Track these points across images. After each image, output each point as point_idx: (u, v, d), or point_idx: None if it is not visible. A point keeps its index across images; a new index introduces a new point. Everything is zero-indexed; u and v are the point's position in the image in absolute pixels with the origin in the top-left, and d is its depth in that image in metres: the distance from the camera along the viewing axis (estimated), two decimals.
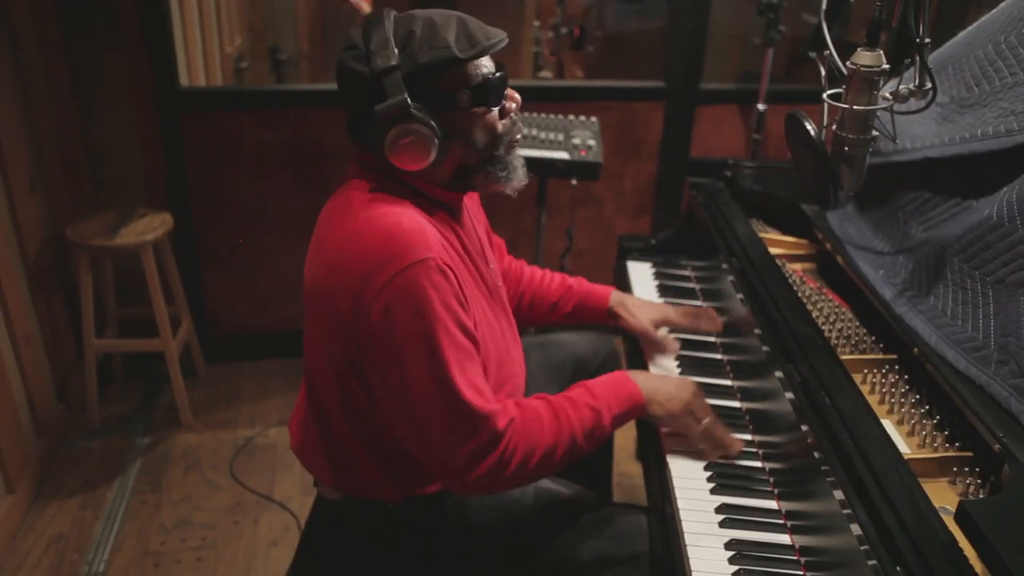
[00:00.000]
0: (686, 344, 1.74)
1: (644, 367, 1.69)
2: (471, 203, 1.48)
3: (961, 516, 0.92)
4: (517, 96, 1.32)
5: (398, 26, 1.22)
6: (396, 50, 1.18)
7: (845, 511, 1.06)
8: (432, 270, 1.16)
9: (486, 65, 1.24)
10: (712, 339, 1.75)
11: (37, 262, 2.44)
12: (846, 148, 1.28)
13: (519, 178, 1.34)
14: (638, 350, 1.76)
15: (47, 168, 2.53)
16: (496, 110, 1.28)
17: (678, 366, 1.68)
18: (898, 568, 0.95)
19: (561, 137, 2.37)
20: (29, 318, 2.38)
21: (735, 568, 1.18)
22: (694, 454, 1.42)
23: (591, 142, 2.35)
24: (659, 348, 1.72)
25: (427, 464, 1.27)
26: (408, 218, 1.20)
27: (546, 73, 3.98)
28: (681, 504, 1.31)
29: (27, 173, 2.39)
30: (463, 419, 1.19)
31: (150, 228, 2.51)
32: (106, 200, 2.71)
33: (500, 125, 1.29)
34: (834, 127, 1.29)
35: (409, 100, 1.17)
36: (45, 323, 2.49)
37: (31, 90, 2.43)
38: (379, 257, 1.15)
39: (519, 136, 1.34)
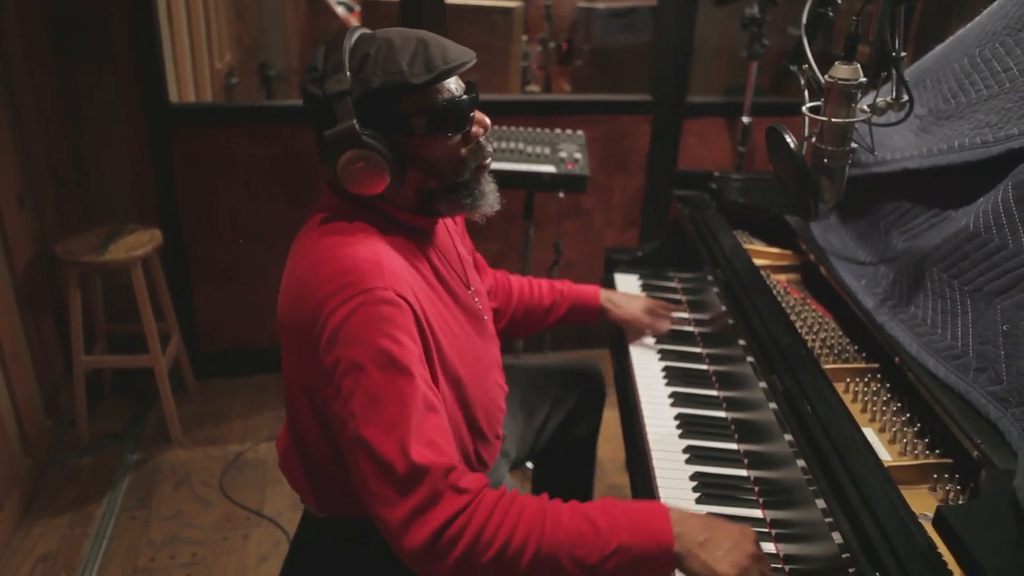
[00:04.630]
0: (672, 355, 1.76)
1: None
2: (453, 224, 1.46)
3: (939, 522, 0.93)
4: (486, 121, 1.26)
5: (356, 47, 1.18)
6: (349, 74, 1.15)
7: (827, 519, 1.07)
8: (380, 301, 1.11)
9: (449, 89, 1.20)
10: (698, 350, 1.76)
11: (26, 278, 2.44)
12: (825, 160, 1.30)
13: (488, 204, 1.29)
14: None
15: (36, 184, 2.54)
16: (459, 136, 1.23)
17: (664, 378, 1.69)
18: (877, 574, 0.96)
19: (548, 151, 2.39)
20: (17, 335, 2.38)
21: None
22: (681, 465, 1.43)
23: (578, 155, 2.37)
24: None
25: (374, 518, 1.13)
26: (366, 248, 1.17)
27: (534, 87, 4.01)
28: None
29: (16, 189, 2.39)
30: (399, 467, 1.06)
31: (139, 244, 2.52)
32: (96, 216, 2.72)
33: (464, 151, 1.24)
34: (814, 139, 1.31)
35: (358, 126, 1.14)
36: (33, 340, 2.49)
37: (21, 106, 2.43)
38: (332, 287, 1.13)
39: (488, 161, 1.28)
